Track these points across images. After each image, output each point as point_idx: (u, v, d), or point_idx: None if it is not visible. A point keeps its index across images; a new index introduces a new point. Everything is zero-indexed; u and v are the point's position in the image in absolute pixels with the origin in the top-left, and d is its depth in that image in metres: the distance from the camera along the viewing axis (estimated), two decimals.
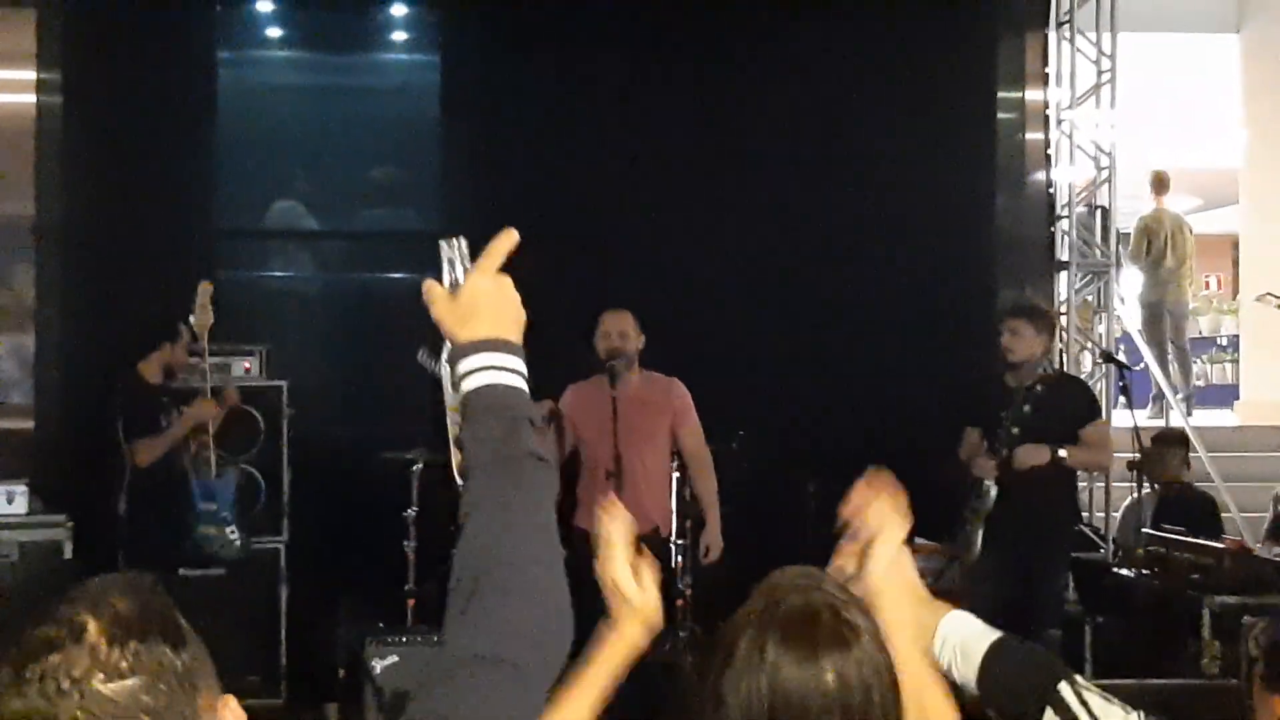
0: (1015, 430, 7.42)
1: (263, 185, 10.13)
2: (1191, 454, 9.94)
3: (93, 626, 1.70)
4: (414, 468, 8.40)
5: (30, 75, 9.63)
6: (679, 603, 8.38)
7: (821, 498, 9.32)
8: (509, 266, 2.27)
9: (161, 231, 9.61)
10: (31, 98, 9.63)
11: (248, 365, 8.68)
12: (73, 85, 9.67)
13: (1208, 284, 20.81)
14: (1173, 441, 9.57)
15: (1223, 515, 9.96)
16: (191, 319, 8.00)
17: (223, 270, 10.05)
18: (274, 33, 10.47)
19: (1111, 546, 9.92)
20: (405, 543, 8.31)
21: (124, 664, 1.69)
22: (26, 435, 9.47)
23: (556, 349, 9.18)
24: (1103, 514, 10.29)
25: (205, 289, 8.03)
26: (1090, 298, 10.66)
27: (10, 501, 8.41)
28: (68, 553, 8.38)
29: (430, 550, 8.35)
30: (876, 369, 9.76)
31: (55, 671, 1.67)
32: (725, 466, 8.93)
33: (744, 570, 8.88)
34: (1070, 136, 10.54)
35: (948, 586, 8.38)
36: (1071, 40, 10.55)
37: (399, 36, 10.68)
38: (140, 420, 8.10)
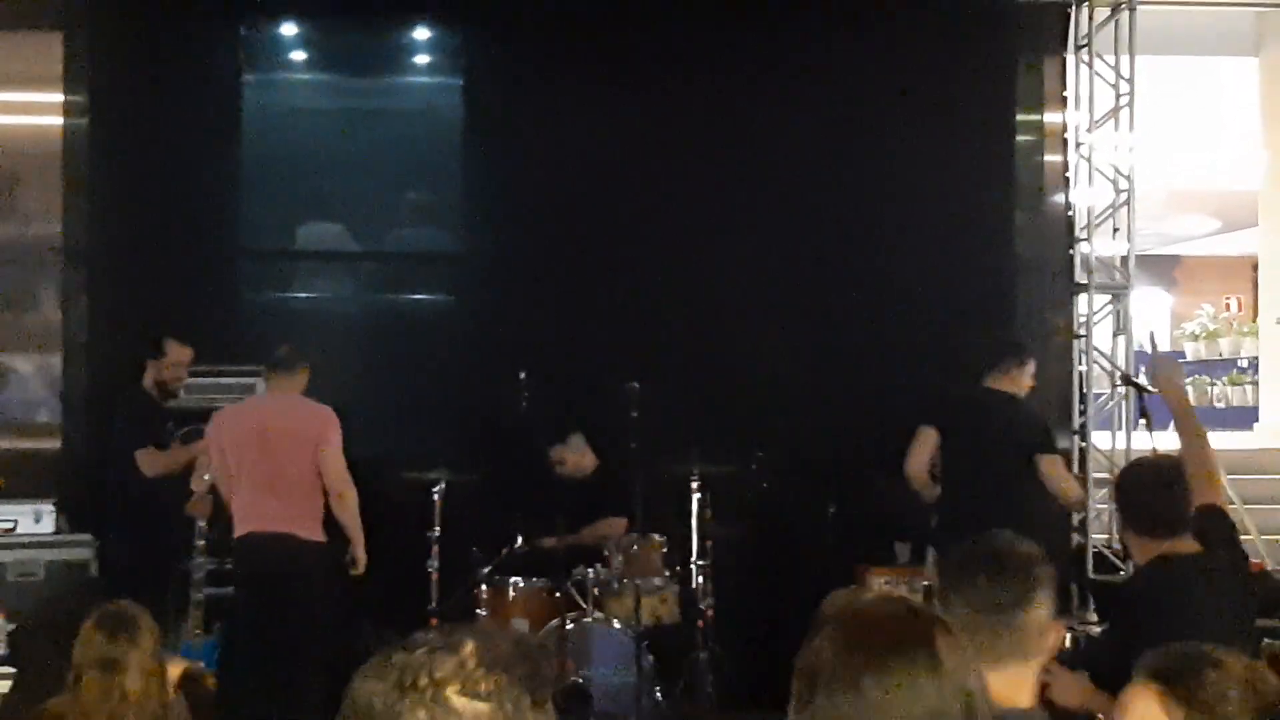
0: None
1: (287, 206, 10.17)
2: None
3: (470, 646, 1.75)
4: (437, 488, 8.44)
5: (57, 98, 9.72)
6: (699, 624, 8.38)
7: (841, 517, 9.36)
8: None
9: (186, 252, 9.70)
10: (58, 120, 9.73)
11: None
12: (99, 107, 9.76)
13: (1227, 306, 20.77)
14: None
15: (1242, 538, 9.95)
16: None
17: (247, 291, 10.14)
18: (298, 55, 10.54)
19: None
20: (428, 563, 8.35)
21: (483, 687, 1.73)
22: (53, 454, 9.55)
23: (580, 366, 9.29)
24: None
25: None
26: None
27: (38, 520, 8.49)
28: (93, 571, 8.46)
29: (453, 571, 8.40)
30: (894, 390, 9.79)
31: (419, 668, 1.73)
32: (744, 486, 8.98)
33: (766, 590, 8.94)
34: (1089, 159, 10.56)
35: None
36: (1090, 63, 10.57)
37: (422, 59, 10.72)
38: (140, 433, 8.26)
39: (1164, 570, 4.90)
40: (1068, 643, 5.15)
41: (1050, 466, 7.89)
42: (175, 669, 4.69)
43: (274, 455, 7.57)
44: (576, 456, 9.02)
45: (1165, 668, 2.94)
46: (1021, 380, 8.19)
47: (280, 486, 7.55)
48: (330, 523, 7.73)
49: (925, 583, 8.49)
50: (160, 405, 8.44)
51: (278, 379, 7.85)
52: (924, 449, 8.08)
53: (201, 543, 8.15)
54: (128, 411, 8.41)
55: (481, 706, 1.72)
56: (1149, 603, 4.87)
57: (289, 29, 10.41)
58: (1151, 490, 5.01)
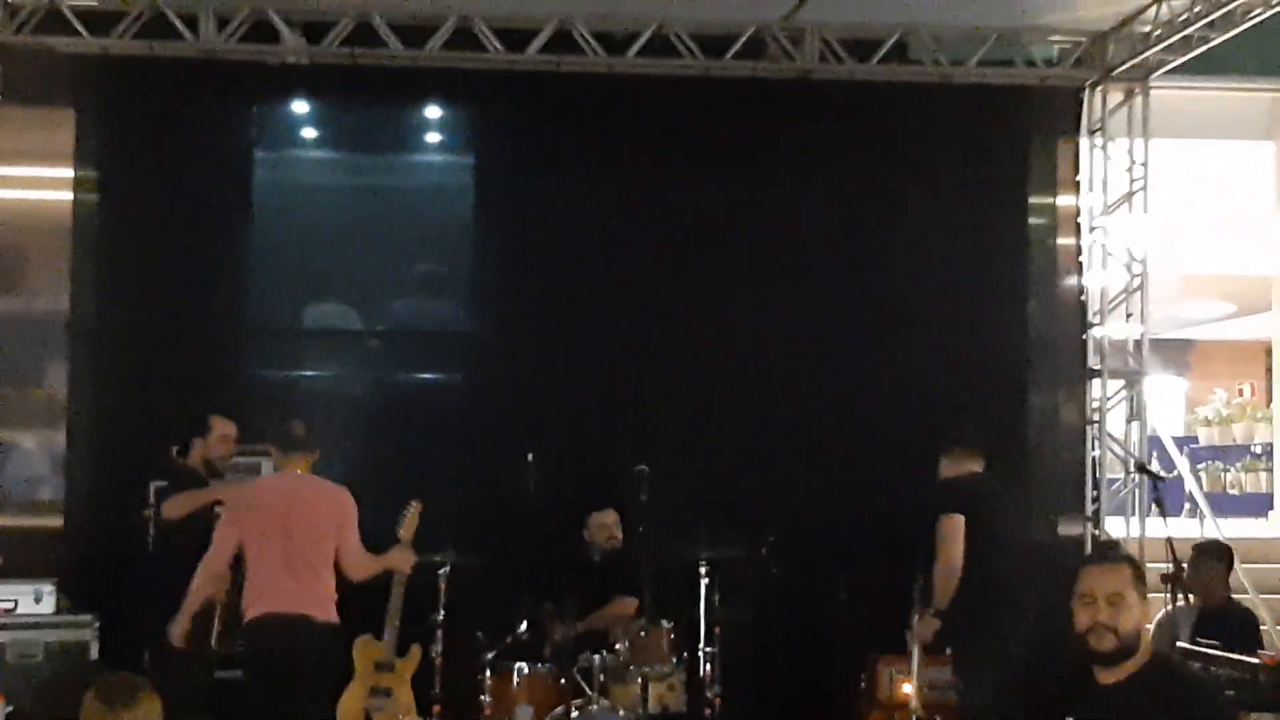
0: None
1: (296, 284, 10.16)
2: None
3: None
4: (441, 570, 8.36)
5: (67, 173, 9.75)
6: (706, 711, 8.27)
7: (852, 605, 9.24)
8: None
9: (195, 329, 9.68)
10: (68, 195, 9.75)
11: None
12: (109, 183, 9.79)
13: (1241, 391, 20.69)
14: (1212, 554, 9.21)
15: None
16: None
17: (255, 368, 10.09)
18: (309, 133, 10.55)
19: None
20: (432, 647, 8.25)
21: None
22: (56, 533, 9.48)
23: (589, 447, 9.23)
24: None
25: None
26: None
27: (38, 600, 8.39)
28: (94, 653, 8.34)
29: (457, 655, 8.28)
30: (908, 474, 9.69)
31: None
32: (753, 572, 8.88)
33: (774, 678, 8.76)
34: (1103, 243, 10.53)
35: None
36: (1104, 147, 10.56)
37: (433, 138, 10.74)
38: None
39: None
40: None
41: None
42: None
43: (295, 536, 7.42)
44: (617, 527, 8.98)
45: None
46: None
47: (299, 567, 7.42)
48: (340, 616, 7.63)
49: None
50: (207, 482, 8.29)
51: (295, 458, 7.70)
52: (961, 539, 7.73)
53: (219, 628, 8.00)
54: (177, 488, 8.28)
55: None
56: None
57: (300, 107, 10.41)
58: None
